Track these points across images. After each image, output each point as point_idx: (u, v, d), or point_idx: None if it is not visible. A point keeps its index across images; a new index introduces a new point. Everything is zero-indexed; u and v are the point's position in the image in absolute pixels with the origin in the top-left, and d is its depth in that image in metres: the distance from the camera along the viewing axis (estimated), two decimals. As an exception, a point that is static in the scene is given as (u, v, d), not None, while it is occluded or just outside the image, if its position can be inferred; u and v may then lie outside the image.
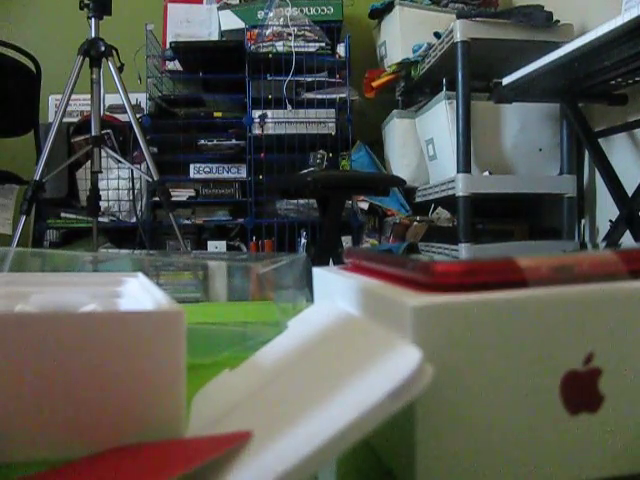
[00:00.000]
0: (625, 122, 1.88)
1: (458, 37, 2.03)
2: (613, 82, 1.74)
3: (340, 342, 0.25)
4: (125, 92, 2.02)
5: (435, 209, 2.51)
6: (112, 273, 0.44)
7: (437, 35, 2.29)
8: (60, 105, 2.00)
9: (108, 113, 2.67)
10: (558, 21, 2.05)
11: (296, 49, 2.65)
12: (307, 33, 2.70)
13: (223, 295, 0.55)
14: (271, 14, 2.71)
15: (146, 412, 0.26)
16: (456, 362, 0.21)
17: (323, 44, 2.70)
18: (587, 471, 0.22)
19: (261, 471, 0.18)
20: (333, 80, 2.70)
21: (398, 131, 2.60)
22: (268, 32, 2.69)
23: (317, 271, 0.34)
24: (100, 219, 2.31)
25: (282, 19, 2.70)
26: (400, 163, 2.60)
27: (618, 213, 1.74)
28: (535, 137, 2.22)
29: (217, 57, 2.62)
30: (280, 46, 2.66)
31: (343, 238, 2.39)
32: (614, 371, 0.22)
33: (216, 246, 2.68)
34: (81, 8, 2.02)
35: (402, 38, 2.55)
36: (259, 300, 0.52)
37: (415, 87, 2.62)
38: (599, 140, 1.90)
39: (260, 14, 2.75)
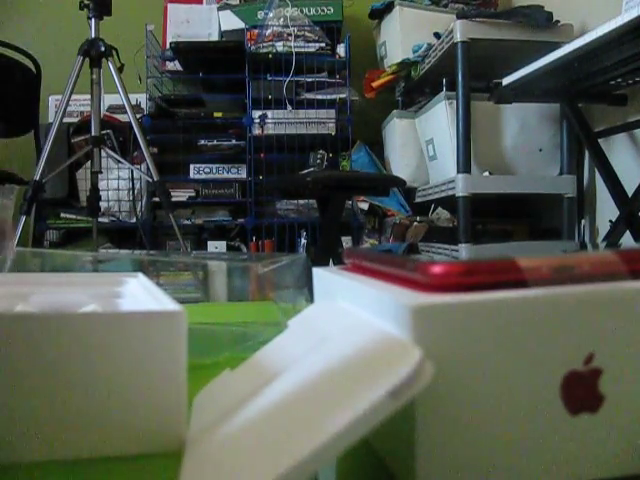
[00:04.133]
0: (625, 122, 1.88)
1: (458, 37, 2.03)
2: (613, 82, 1.74)
3: (340, 342, 0.25)
4: (125, 92, 2.02)
5: (435, 209, 2.51)
6: (112, 273, 0.44)
7: (437, 35, 2.29)
8: (60, 105, 2.00)
9: (108, 113, 2.67)
10: (558, 21, 2.05)
11: (296, 49, 2.64)
12: (307, 33, 2.70)
13: (223, 295, 0.55)
14: (271, 14, 2.71)
15: (147, 413, 0.26)
16: (456, 362, 0.21)
17: (323, 44, 2.70)
18: (587, 471, 0.22)
19: (261, 471, 0.18)
20: (333, 80, 2.70)
21: (398, 131, 2.60)
22: (268, 32, 2.69)
23: (317, 271, 0.34)
24: (100, 219, 2.31)
25: (282, 19, 2.70)
26: (400, 163, 2.60)
27: (618, 213, 1.74)
28: (535, 137, 2.22)
29: (217, 57, 2.62)
30: (280, 46, 2.66)
31: (343, 238, 2.39)
32: (614, 371, 0.22)
33: (216, 246, 2.68)
34: (81, 8, 2.02)
35: (402, 38, 2.54)
36: (259, 300, 0.51)
37: (415, 87, 2.62)
38: (599, 140, 1.89)
39: (260, 14, 2.75)
